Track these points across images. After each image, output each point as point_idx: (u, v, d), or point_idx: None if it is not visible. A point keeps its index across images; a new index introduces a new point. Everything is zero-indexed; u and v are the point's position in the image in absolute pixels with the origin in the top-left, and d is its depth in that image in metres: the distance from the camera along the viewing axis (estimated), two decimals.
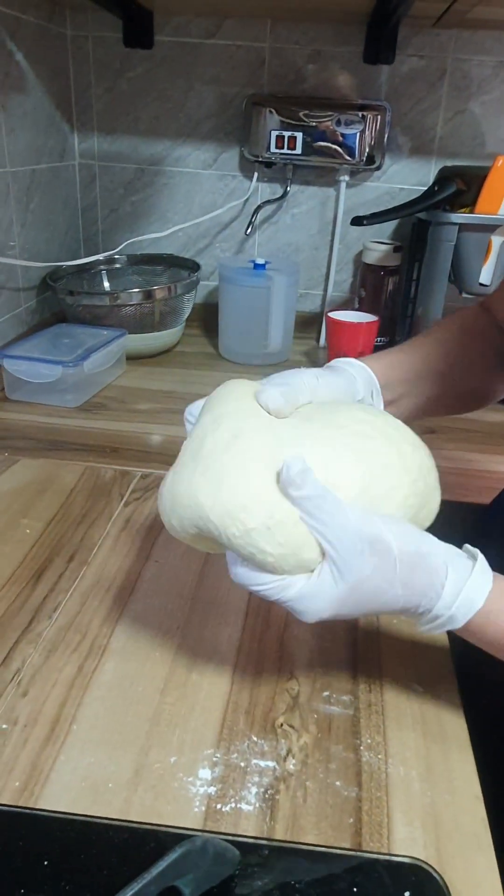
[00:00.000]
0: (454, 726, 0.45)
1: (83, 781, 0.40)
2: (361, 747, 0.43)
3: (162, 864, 0.31)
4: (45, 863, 0.35)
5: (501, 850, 0.37)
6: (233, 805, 0.39)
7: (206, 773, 0.41)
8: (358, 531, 0.38)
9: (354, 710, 0.46)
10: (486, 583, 0.39)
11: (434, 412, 0.62)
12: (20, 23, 0.98)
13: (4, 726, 0.43)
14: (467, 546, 0.42)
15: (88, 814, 0.38)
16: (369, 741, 0.43)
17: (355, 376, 0.52)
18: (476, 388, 0.63)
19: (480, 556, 0.41)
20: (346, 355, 0.98)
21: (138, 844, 0.36)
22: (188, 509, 0.39)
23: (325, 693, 0.47)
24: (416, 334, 1.00)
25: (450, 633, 0.48)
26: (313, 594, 0.38)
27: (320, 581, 0.38)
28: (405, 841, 0.37)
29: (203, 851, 0.33)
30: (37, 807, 0.38)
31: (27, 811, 0.38)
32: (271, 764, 0.41)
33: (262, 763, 0.41)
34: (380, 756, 0.42)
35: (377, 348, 1.07)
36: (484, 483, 0.77)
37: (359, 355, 1.03)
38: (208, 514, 0.38)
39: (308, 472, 0.37)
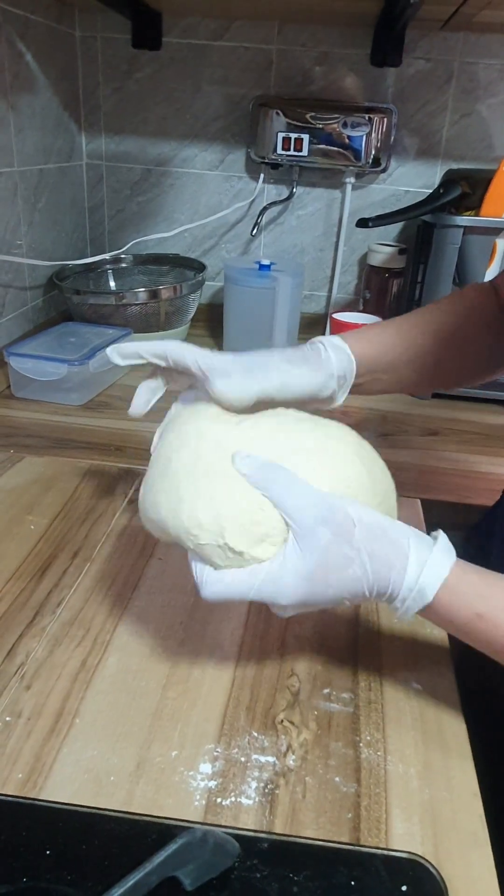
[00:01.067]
0: (453, 725, 0.45)
1: (86, 774, 0.40)
2: (361, 744, 0.43)
3: (163, 855, 0.31)
4: (48, 852, 0.35)
5: (498, 847, 0.38)
6: (233, 799, 0.39)
7: (206, 768, 0.41)
8: (317, 500, 0.40)
9: (354, 707, 0.46)
10: (450, 556, 0.41)
11: (408, 391, 0.63)
12: (30, 23, 0.99)
13: (8, 719, 0.44)
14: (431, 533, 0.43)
15: (91, 805, 0.38)
16: (369, 738, 0.44)
17: (332, 364, 0.53)
18: (460, 373, 0.63)
19: (442, 534, 0.42)
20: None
21: (139, 836, 0.36)
22: (153, 522, 0.45)
23: (326, 690, 0.47)
24: None
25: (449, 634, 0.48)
26: (279, 574, 0.40)
27: (285, 558, 0.40)
28: (403, 836, 0.38)
29: (203, 842, 0.33)
30: (40, 798, 0.39)
31: (30, 802, 0.38)
32: (271, 759, 0.42)
33: (263, 758, 0.42)
34: (379, 753, 0.43)
35: None
36: (486, 485, 0.77)
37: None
38: (169, 528, 0.44)
39: (255, 457, 0.41)
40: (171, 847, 0.32)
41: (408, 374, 0.59)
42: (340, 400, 0.56)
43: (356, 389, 0.57)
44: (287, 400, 0.51)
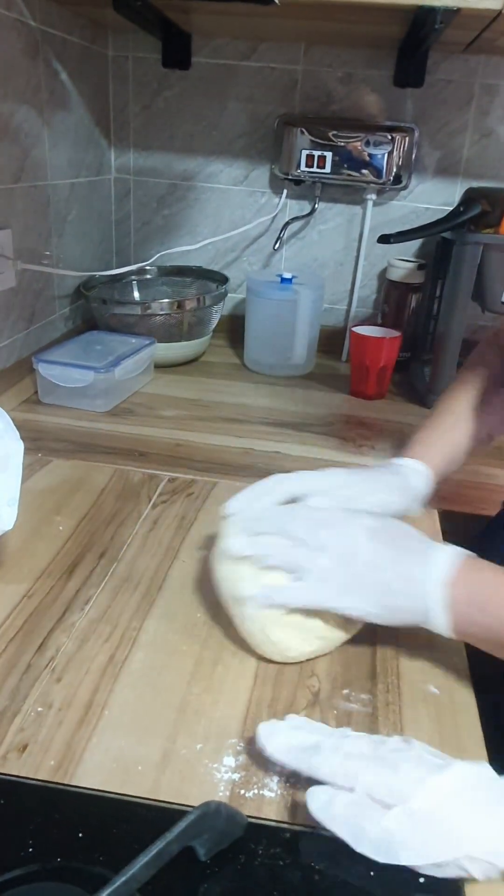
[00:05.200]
0: (469, 728, 0.46)
1: (114, 763, 0.42)
2: None
3: (182, 824, 0.33)
4: (80, 834, 0.37)
5: None
6: (255, 791, 0.41)
7: (230, 761, 0.43)
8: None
9: (373, 708, 0.47)
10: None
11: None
12: (66, 44, 1.03)
13: (40, 709, 0.45)
14: None
15: (120, 792, 0.40)
16: None
17: (416, 488, 0.61)
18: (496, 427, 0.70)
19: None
20: (368, 368, 1.02)
21: (166, 821, 0.37)
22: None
23: (345, 691, 0.49)
24: (437, 351, 1.02)
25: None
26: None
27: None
28: None
29: (217, 813, 0.35)
30: (72, 784, 0.40)
31: (63, 787, 0.40)
32: None
33: None
34: None
35: (399, 363, 1.09)
36: (502, 497, 0.78)
37: (381, 369, 1.05)
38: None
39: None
40: (190, 817, 0.33)
41: (462, 459, 0.68)
42: (419, 511, 0.63)
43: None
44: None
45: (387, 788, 0.36)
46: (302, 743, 0.39)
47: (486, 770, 0.37)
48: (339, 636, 0.51)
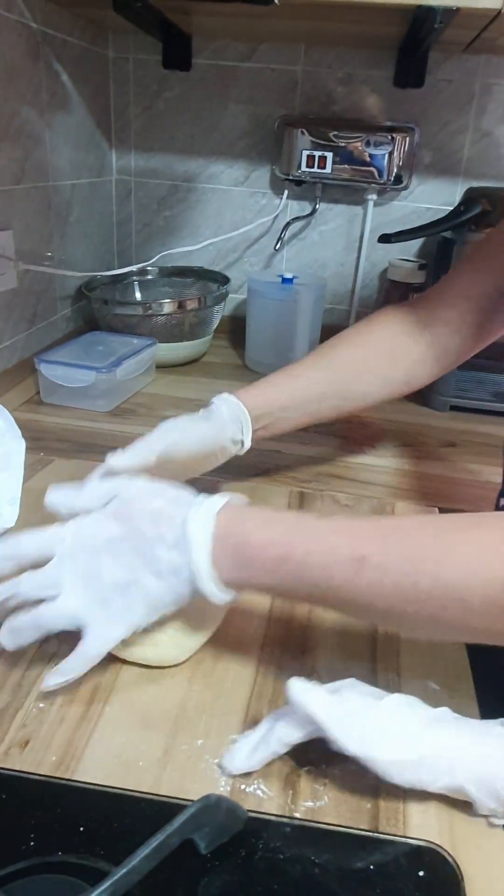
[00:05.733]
0: None
1: (116, 758, 0.42)
2: None
3: (182, 817, 0.33)
4: (81, 829, 0.37)
5: None
6: (256, 786, 0.41)
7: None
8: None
9: None
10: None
11: (324, 421, 0.72)
12: (67, 45, 1.04)
13: (42, 705, 0.46)
14: None
15: (121, 787, 0.40)
16: None
17: (223, 414, 0.62)
18: (364, 398, 0.71)
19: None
20: None
21: (167, 816, 0.38)
22: None
23: None
24: None
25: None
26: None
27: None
28: (420, 826, 0.39)
29: (217, 806, 0.35)
30: (73, 779, 0.41)
31: (65, 782, 0.40)
32: (292, 751, 0.43)
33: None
34: None
35: None
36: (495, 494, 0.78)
37: None
38: None
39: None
40: (191, 810, 0.34)
41: (312, 407, 0.69)
42: (247, 444, 0.65)
43: (264, 431, 0.67)
44: (187, 453, 0.59)
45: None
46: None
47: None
48: (193, 641, 0.49)
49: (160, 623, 0.47)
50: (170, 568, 0.43)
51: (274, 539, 0.42)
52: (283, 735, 0.40)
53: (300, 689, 0.40)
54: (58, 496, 0.49)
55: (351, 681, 0.43)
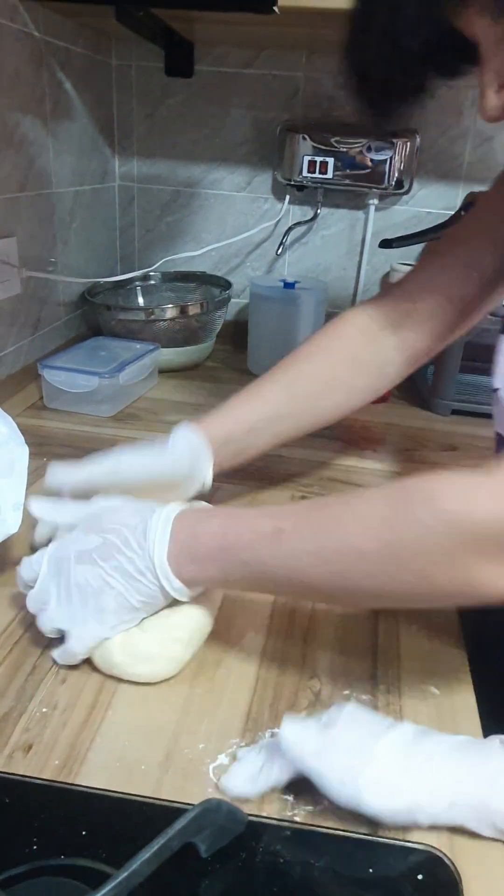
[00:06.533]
0: (469, 728, 0.47)
1: (118, 762, 0.43)
2: None
3: (183, 821, 0.34)
4: (84, 832, 0.38)
5: None
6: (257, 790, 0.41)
7: (232, 761, 0.43)
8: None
9: (373, 708, 0.48)
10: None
11: (293, 439, 0.69)
12: (70, 54, 1.05)
13: (45, 710, 0.46)
14: None
15: (123, 791, 0.40)
16: None
17: (177, 447, 0.60)
18: (333, 410, 0.68)
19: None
20: None
21: (169, 819, 0.38)
22: None
23: (346, 692, 0.49)
24: (440, 354, 1.03)
25: (466, 638, 0.50)
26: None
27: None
28: (419, 830, 0.39)
29: (218, 810, 0.36)
30: (76, 783, 0.41)
31: (68, 786, 0.41)
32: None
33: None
34: None
35: None
36: None
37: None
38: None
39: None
40: (192, 813, 0.34)
41: (278, 429, 0.66)
42: (208, 482, 0.62)
43: (233, 460, 0.65)
44: (129, 483, 0.58)
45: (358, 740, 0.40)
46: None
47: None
48: (184, 653, 0.50)
49: (147, 633, 0.49)
50: (136, 569, 0.47)
51: (213, 531, 0.47)
52: (282, 770, 0.40)
53: (290, 737, 0.40)
54: (41, 508, 0.55)
55: (350, 708, 0.42)
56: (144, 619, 0.49)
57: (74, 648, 0.48)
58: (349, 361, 0.67)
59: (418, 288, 0.66)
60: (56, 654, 0.49)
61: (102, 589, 0.47)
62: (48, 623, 0.49)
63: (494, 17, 0.42)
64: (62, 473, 0.58)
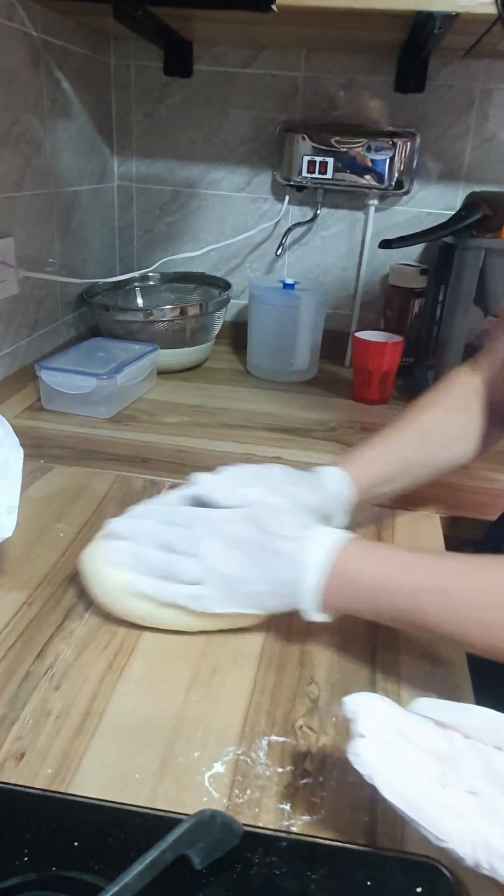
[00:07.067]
0: None
1: (112, 771, 0.42)
2: None
3: (176, 833, 0.33)
4: (76, 843, 0.37)
5: None
6: (253, 799, 0.41)
7: (228, 769, 0.42)
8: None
9: None
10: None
11: (422, 484, 0.69)
12: (68, 53, 1.04)
13: (38, 717, 0.45)
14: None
15: (116, 801, 0.40)
16: None
17: (331, 488, 0.60)
18: (455, 459, 0.69)
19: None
20: (371, 374, 1.00)
21: (163, 830, 0.37)
22: None
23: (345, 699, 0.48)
24: (440, 355, 1.02)
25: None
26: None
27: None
28: (418, 841, 0.38)
29: (212, 821, 0.35)
30: (69, 792, 0.40)
31: (60, 796, 0.40)
32: (290, 763, 0.43)
33: (282, 761, 0.43)
34: None
35: (402, 368, 1.09)
36: (502, 501, 0.78)
37: (383, 374, 1.05)
38: None
39: None
40: (185, 825, 0.33)
41: (407, 480, 0.67)
42: (343, 522, 0.62)
43: (366, 504, 0.65)
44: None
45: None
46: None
47: None
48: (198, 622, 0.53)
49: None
50: (278, 578, 0.49)
51: (372, 570, 0.48)
52: None
53: (362, 750, 0.35)
54: (203, 477, 0.58)
55: (427, 705, 0.38)
56: None
57: (191, 601, 0.50)
58: (462, 414, 0.68)
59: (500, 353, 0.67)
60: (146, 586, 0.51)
61: (244, 581, 0.49)
62: (188, 571, 0.50)
63: None
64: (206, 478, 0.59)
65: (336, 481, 0.60)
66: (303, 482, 0.59)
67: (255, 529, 0.50)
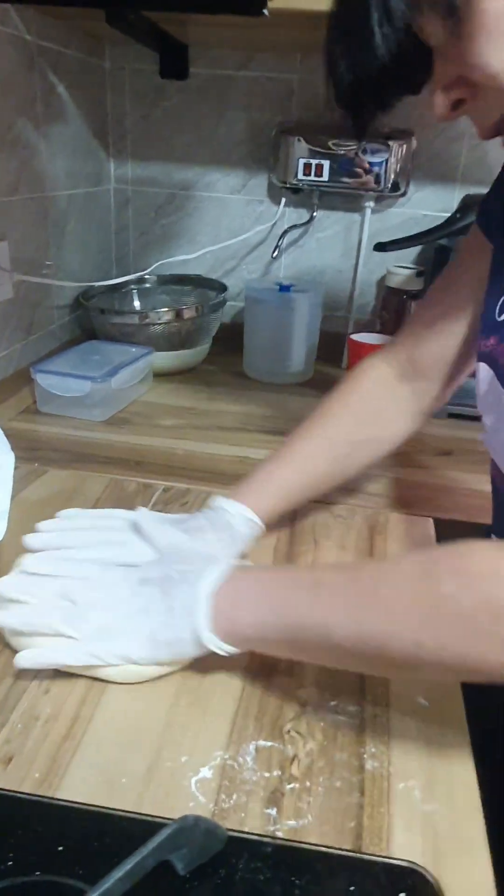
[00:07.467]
0: (457, 740, 0.46)
1: (99, 775, 0.42)
2: (365, 756, 0.44)
3: (158, 838, 0.33)
4: (61, 848, 0.37)
5: (499, 860, 0.39)
6: (238, 804, 0.41)
7: (215, 774, 0.43)
8: None
9: (360, 720, 0.47)
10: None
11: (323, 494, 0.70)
12: (62, 57, 1.04)
13: (27, 721, 0.45)
14: None
15: (103, 805, 0.40)
16: (373, 750, 0.45)
17: (243, 534, 0.60)
18: (368, 460, 0.69)
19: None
20: None
21: (149, 835, 0.37)
22: None
23: (333, 703, 0.48)
24: None
25: None
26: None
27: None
28: (404, 846, 0.39)
29: (195, 827, 0.35)
30: (55, 797, 0.40)
31: (47, 800, 0.40)
32: (277, 767, 0.43)
33: (269, 766, 0.43)
34: (383, 765, 0.44)
35: None
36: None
37: None
38: None
39: None
40: (166, 831, 0.33)
41: (312, 493, 0.68)
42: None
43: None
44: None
45: None
46: None
47: None
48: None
49: None
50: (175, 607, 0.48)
51: (252, 579, 0.49)
52: None
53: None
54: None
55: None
56: None
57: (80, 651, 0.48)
58: (374, 416, 0.69)
59: (420, 338, 0.67)
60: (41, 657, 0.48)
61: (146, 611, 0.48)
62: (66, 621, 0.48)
63: (443, 13, 0.42)
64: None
65: (244, 522, 0.61)
66: (211, 529, 0.59)
67: (160, 571, 0.50)
